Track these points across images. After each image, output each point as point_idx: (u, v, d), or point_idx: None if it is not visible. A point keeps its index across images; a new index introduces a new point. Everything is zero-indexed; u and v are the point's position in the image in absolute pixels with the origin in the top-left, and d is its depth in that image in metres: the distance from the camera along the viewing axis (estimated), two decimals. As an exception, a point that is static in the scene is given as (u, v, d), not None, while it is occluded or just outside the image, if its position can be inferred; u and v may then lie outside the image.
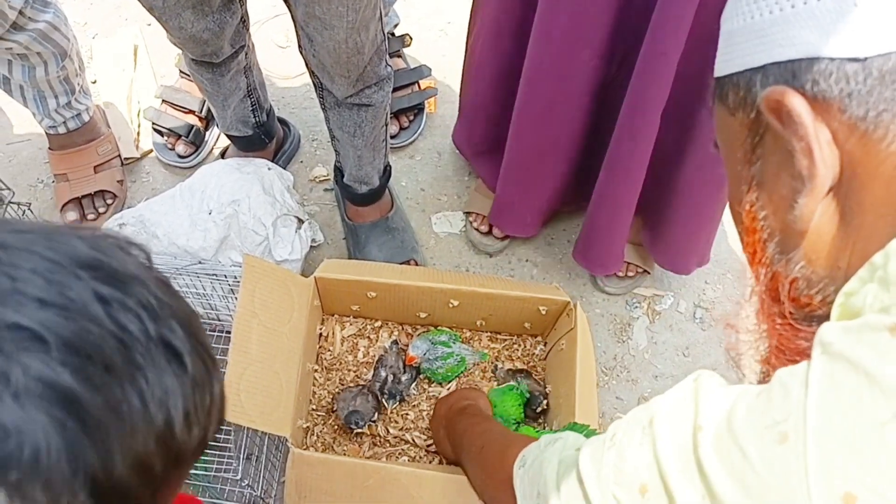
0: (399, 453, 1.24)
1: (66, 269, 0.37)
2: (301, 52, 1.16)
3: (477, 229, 1.58)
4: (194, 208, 1.42)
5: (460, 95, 1.53)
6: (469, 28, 1.38)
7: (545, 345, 1.35)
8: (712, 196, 1.29)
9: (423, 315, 1.31)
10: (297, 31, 1.12)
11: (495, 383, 1.32)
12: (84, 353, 0.35)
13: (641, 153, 1.16)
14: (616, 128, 1.15)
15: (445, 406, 1.19)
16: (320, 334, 1.32)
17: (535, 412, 1.26)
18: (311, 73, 1.22)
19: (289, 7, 1.08)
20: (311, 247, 1.51)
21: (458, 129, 1.60)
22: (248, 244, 1.39)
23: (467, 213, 1.62)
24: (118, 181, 1.62)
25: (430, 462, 1.24)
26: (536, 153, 1.30)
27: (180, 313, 0.41)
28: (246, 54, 1.32)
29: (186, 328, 0.41)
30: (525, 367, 1.34)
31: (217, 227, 1.39)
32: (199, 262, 1.27)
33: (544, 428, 1.29)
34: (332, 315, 1.34)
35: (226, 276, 1.28)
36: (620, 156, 1.19)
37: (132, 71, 1.82)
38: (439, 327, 1.34)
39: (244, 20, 1.23)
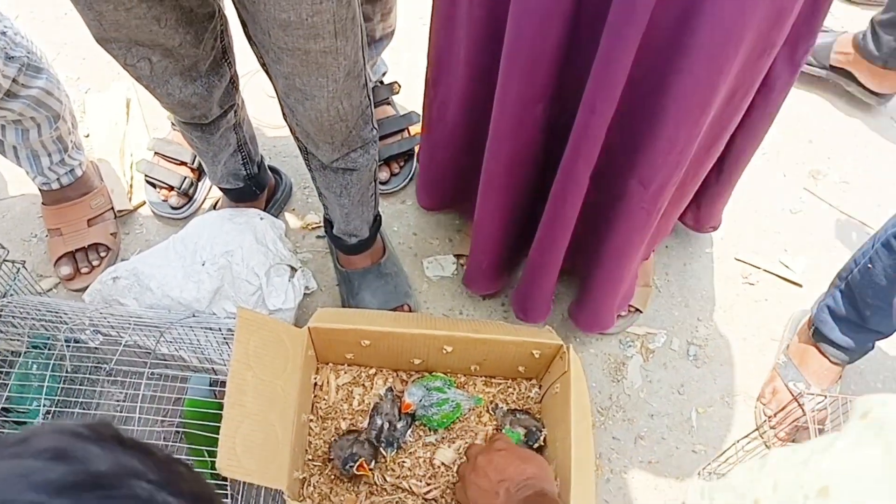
0: (396, 502, 1.24)
1: None
2: (285, 120, 1.18)
3: None
4: (187, 260, 1.43)
5: (423, 160, 1.54)
6: (428, 97, 1.38)
7: (540, 387, 1.35)
8: (629, 266, 1.33)
9: (417, 361, 1.31)
10: (279, 101, 1.13)
11: (492, 426, 1.32)
12: None
13: (569, 212, 1.19)
14: (553, 186, 1.17)
15: (507, 483, 1.00)
16: (315, 383, 1.32)
17: (533, 448, 1.26)
18: (296, 139, 1.24)
19: (270, 78, 1.09)
20: (304, 294, 1.52)
21: (425, 192, 1.61)
22: (241, 294, 1.40)
23: (458, 256, 1.64)
24: (112, 234, 1.63)
25: (427, 510, 1.23)
26: (504, 213, 1.32)
27: (181, 486, 0.38)
28: (235, 112, 1.34)
29: (195, 498, 0.38)
30: (521, 408, 1.34)
31: (210, 279, 1.40)
32: (193, 315, 1.28)
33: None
34: (327, 364, 1.34)
35: (220, 329, 1.29)
36: (550, 215, 1.21)
37: (125, 124, 1.84)
38: (434, 373, 1.34)
39: (233, 81, 1.25)
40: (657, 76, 0.99)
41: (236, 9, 0.98)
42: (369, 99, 1.15)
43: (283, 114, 1.16)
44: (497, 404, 1.34)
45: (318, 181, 1.32)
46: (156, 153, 1.73)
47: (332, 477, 1.26)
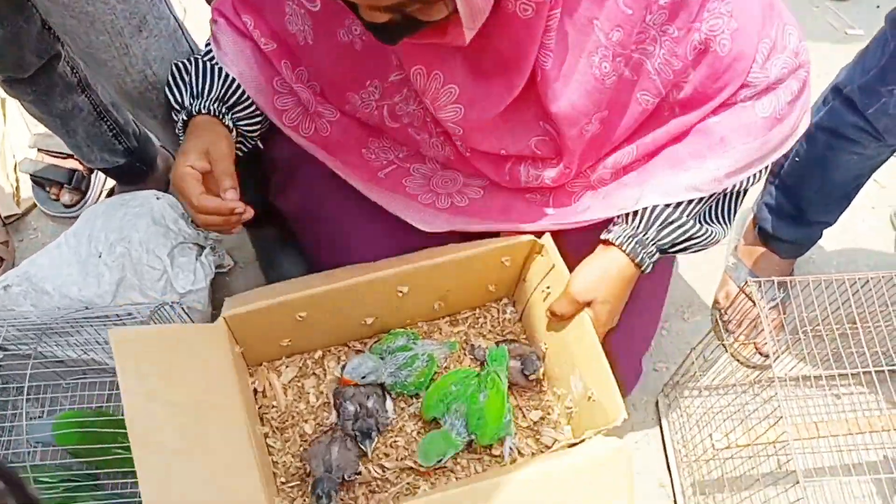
0: (407, 487, 1.01)
1: None
2: None
3: None
4: (83, 254, 1.25)
5: None
6: None
7: (514, 305, 1.14)
8: None
9: (369, 321, 1.07)
10: None
11: (477, 368, 1.10)
12: None
13: None
14: None
15: None
16: (255, 390, 1.07)
17: (529, 379, 1.05)
18: None
19: None
20: (216, 272, 1.35)
21: None
22: (146, 281, 1.22)
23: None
24: (2, 242, 1.46)
25: (447, 482, 1.01)
26: None
27: None
28: (73, 69, 1.17)
29: None
30: (503, 337, 1.13)
31: (110, 270, 1.22)
32: (86, 308, 1.08)
33: (543, 390, 1.09)
34: (260, 364, 1.09)
35: (130, 315, 1.11)
36: None
37: (2, 125, 1.63)
38: (392, 331, 1.12)
39: (47, 26, 1.08)
40: None
41: None
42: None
43: None
44: (472, 344, 1.12)
45: None
46: (39, 150, 1.56)
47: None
